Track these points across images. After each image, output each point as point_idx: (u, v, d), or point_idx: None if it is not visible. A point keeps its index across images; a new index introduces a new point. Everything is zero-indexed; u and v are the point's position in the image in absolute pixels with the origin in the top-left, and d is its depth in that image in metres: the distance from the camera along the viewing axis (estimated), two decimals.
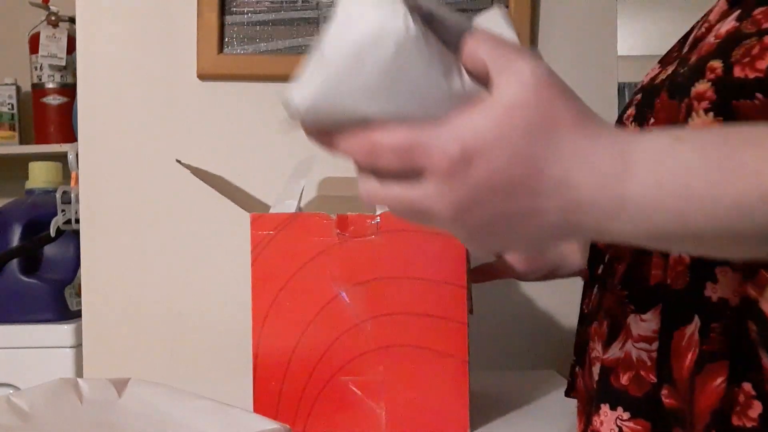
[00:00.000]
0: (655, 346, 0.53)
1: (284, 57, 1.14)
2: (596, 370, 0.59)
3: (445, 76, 0.40)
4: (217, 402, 0.69)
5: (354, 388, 0.74)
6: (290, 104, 0.42)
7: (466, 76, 0.41)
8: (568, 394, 0.73)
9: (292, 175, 0.87)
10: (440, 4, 0.43)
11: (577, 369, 0.69)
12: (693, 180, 0.39)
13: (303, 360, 0.74)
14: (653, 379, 0.53)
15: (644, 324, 0.54)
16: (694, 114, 0.50)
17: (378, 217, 0.74)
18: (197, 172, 0.88)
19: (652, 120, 0.58)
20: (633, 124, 0.62)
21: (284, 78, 1.25)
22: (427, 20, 0.41)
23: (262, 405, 0.74)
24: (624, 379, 0.55)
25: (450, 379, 0.74)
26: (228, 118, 1.16)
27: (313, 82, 0.41)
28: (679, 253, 0.51)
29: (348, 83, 0.40)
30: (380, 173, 0.44)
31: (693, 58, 0.53)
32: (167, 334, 1.15)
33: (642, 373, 0.53)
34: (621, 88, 1.30)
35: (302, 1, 1.14)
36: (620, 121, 0.66)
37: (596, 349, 0.60)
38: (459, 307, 0.74)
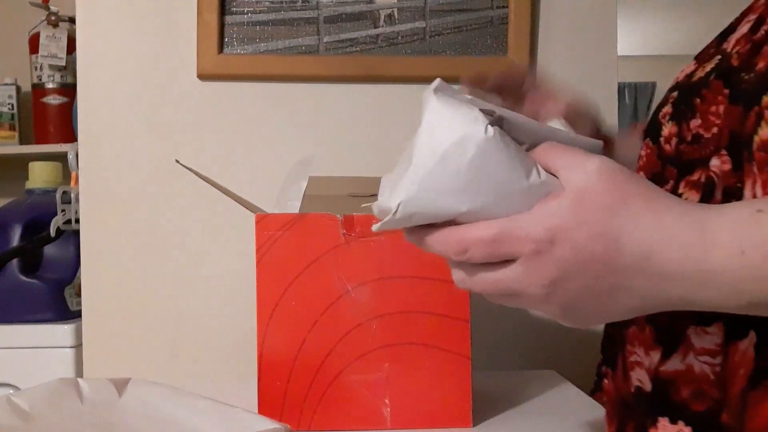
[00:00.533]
0: (718, 360, 0.51)
1: (284, 57, 1.14)
2: (637, 375, 0.57)
3: (523, 172, 0.44)
4: (218, 402, 0.69)
5: (359, 386, 0.74)
6: (382, 208, 0.46)
7: (542, 171, 0.45)
8: (593, 394, 0.72)
9: (290, 176, 0.87)
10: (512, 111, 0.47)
11: (603, 368, 0.68)
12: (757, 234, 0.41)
13: (308, 359, 0.74)
14: (716, 394, 0.51)
15: (708, 337, 0.52)
16: (764, 123, 0.49)
17: None
18: (197, 172, 0.88)
19: (695, 121, 0.57)
20: (671, 122, 0.61)
21: (284, 78, 1.27)
22: (500, 123, 0.46)
23: (267, 404, 0.74)
24: (685, 393, 0.53)
25: (453, 375, 0.74)
26: (228, 118, 1.16)
27: (404, 187, 0.45)
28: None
29: (437, 185, 0.44)
30: (470, 263, 0.47)
31: (761, 65, 0.52)
32: (167, 334, 1.15)
33: (704, 387, 0.52)
34: (621, 88, 1.30)
35: (302, 1, 1.14)
36: (655, 120, 0.64)
37: (637, 354, 0.58)
38: (462, 306, 0.75)
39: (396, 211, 0.45)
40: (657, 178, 0.63)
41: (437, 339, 0.74)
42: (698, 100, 0.57)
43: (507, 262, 0.45)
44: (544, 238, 0.44)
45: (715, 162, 0.53)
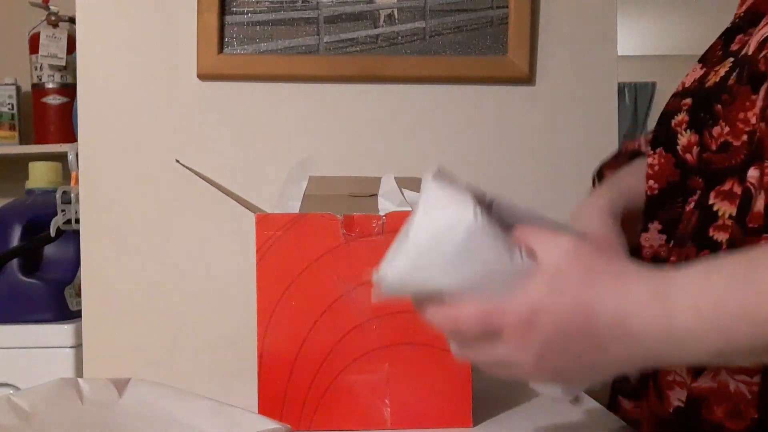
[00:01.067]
0: (756, 379, 0.51)
1: (284, 57, 1.14)
2: (677, 395, 0.57)
3: (507, 254, 0.49)
4: (218, 402, 0.69)
5: (359, 387, 0.74)
6: (381, 279, 0.51)
7: (523, 252, 0.49)
8: (612, 408, 0.72)
9: (289, 176, 0.87)
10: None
11: (618, 383, 0.67)
12: (726, 303, 0.44)
13: (308, 359, 0.74)
14: (754, 414, 0.51)
15: None
16: None
17: (383, 218, 0.74)
18: (197, 172, 0.88)
19: (718, 128, 0.56)
20: (689, 131, 0.61)
21: (284, 78, 1.26)
22: (491, 207, 0.52)
23: (267, 404, 0.74)
24: (719, 412, 0.53)
25: (453, 375, 0.74)
26: (228, 118, 1.16)
27: (400, 260, 0.50)
28: (739, 365, 0.54)
29: (428, 262, 0.49)
30: (463, 337, 0.51)
31: None
32: (167, 334, 1.15)
33: (741, 407, 0.52)
34: (621, 88, 1.30)
35: (302, 1, 1.14)
36: (668, 128, 0.63)
37: (675, 373, 0.58)
38: None
39: (390, 282, 0.50)
40: (676, 188, 0.63)
41: (437, 339, 0.74)
42: (719, 107, 0.56)
43: (497, 336, 0.49)
44: (525, 314, 0.48)
45: (753, 173, 0.52)
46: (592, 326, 0.47)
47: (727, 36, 0.63)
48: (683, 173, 0.62)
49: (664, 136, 0.64)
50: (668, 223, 0.64)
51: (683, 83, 0.66)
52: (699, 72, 0.64)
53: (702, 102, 0.59)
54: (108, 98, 1.15)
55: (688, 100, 0.62)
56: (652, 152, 0.66)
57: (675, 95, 0.66)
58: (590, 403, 0.86)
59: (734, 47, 0.60)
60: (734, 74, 0.56)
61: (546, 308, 0.48)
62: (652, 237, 0.65)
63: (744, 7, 0.63)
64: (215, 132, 1.15)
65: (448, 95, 1.17)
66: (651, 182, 0.66)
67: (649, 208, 0.66)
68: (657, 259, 0.66)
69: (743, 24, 0.61)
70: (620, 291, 0.47)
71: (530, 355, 0.48)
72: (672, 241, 0.63)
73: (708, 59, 0.64)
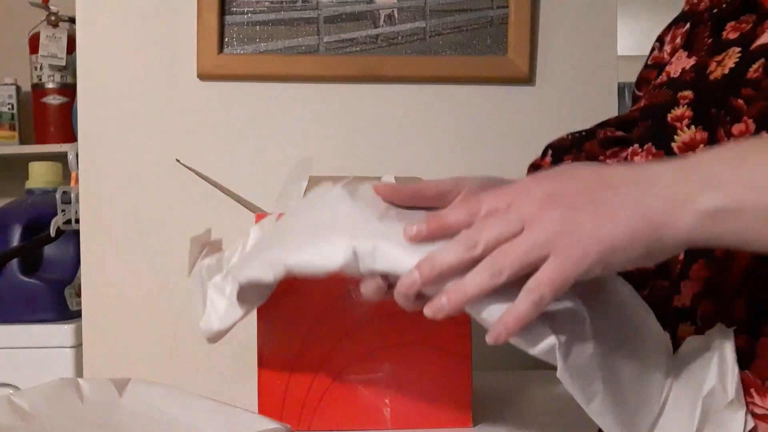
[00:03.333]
0: None
1: (284, 57, 1.14)
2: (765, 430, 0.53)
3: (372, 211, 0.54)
4: (218, 402, 0.69)
5: (359, 387, 0.74)
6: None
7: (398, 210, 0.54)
8: None
9: (289, 176, 0.87)
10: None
11: None
12: (739, 145, 0.44)
13: (308, 359, 0.74)
14: None
15: None
16: None
17: None
18: (197, 172, 0.88)
19: (743, 126, 0.53)
20: (693, 127, 0.58)
21: (284, 78, 1.26)
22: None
23: (267, 404, 0.74)
24: None
25: (453, 375, 0.74)
26: (228, 118, 1.16)
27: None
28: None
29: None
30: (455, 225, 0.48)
31: None
32: (168, 334, 1.15)
33: None
34: (621, 88, 1.30)
35: (302, 1, 1.14)
36: (661, 122, 0.60)
37: (761, 405, 0.53)
38: None
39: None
40: None
41: (437, 339, 0.74)
42: (740, 102, 0.53)
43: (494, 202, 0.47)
44: (521, 182, 0.48)
45: None
46: (603, 174, 0.46)
47: (714, 22, 0.60)
48: None
49: (654, 131, 0.61)
50: None
51: (667, 73, 0.63)
52: (688, 61, 0.61)
53: (710, 96, 0.56)
54: (108, 98, 1.15)
55: (688, 93, 0.59)
56: (639, 149, 0.64)
57: (660, 86, 0.62)
58: None
59: (731, 35, 0.57)
60: (755, 66, 0.53)
61: (554, 170, 0.48)
62: None
63: None
64: (215, 132, 1.15)
65: (448, 95, 1.17)
66: None
67: None
68: (641, 269, 0.62)
69: (733, 11, 0.58)
70: (629, 165, 0.49)
71: (536, 197, 0.45)
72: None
73: (694, 46, 0.61)
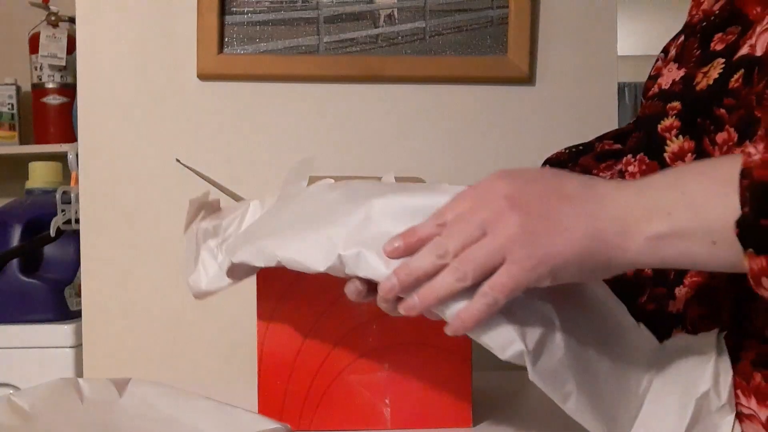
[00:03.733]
0: None
1: (284, 57, 1.14)
2: (751, 429, 0.54)
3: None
4: (218, 402, 0.69)
5: (359, 387, 0.74)
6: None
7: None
8: None
9: (289, 176, 0.87)
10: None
11: None
12: (688, 169, 0.47)
13: (308, 359, 0.74)
14: None
15: None
16: None
17: None
18: (197, 171, 0.88)
19: (725, 134, 0.55)
20: (681, 137, 0.60)
21: (284, 78, 1.26)
22: None
23: (267, 404, 0.74)
24: None
25: (453, 375, 0.74)
26: (228, 118, 1.16)
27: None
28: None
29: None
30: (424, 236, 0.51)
31: None
32: (167, 334, 1.15)
33: None
34: (621, 88, 1.30)
35: (302, 1, 1.14)
36: (652, 132, 0.62)
37: (747, 405, 0.54)
38: None
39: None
40: None
41: (437, 339, 0.74)
42: (722, 111, 0.55)
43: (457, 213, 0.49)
44: (481, 184, 0.50)
45: None
46: (559, 187, 0.48)
47: (704, 34, 0.61)
48: None
49: (646, 142, 0.63)
50: None
51: (659, 84, 0.64)
52: (678, 72, 0.62)
53: (697, 106, 0.58)
54: (108, 98, 1.15)
55: (676, 104, 0.60)
56: (632, 158, 0.64)
57: (652, 97, 0.64)
58: None
59: (717, 47, 0.58)
60: (736, 76, 0.55)
61: (503, 172, 0.50)
62: None
63: (717, 6, 0.61)
64: (215, 132, 1.15)
65: (448, 95, 1.17)
66: None
67: None
68: (640, 276, 0.63)
69: (720, 22, 0.60)
70: (583, 176, 0.50)
71: (496, 201, 0.48)
72: None
73: (684, 58, 0.62)
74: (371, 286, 0.53)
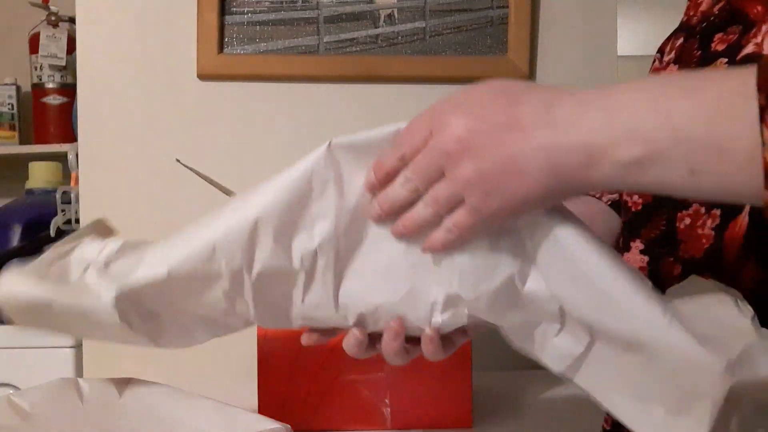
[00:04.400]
0: None
1: (284, 57, 1.14)
2: None
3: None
4: (218, 402, 0.69)
5: (359, 387, 0.74)
6: None
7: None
8: None
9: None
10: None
11: None
12: (670, 86, 0.42)
13: (308, 359, 0.74)
14: None
15: None
16: None
17: None
18: (197, 171, 0.88)
19: None
20: None
21: (284, 78, 1.26)
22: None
23: (267, 404, 0.74)
24: None
25: (453, 375, 0.74)
26: (228, 118, 1.16)
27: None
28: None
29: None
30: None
31: None
32: None
33: None
34: None
35: (302, 1, 1.14)
36: None
37: None
38: None
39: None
40: (662, 203, 0.61)
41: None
42: None
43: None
44: (430, 110, 0.49)
45: None
46: (516, 111, 0.45)
47: (703, 35, 0.61)
48: None
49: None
50: (651, 242, 0.63)
51: None
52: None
53: None
54: (108, 98, 1.15)
55: None
56: None
57: None
58: (592, 405, 0.86)
59: (719, 47, 0.59)
60: None
61: (465, 97, 0.48)
62: (633, 258, 0.63)
63: (717, 7, 0.62)
64: (215, 132, 1.15)
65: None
66: (635, 197, 0.64)
67: (632, 225, 0.64)
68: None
69: (720, 23, 0.60)
70: (546, 88, 0.46)
71: (451, 135, 0.46)
72: (651, 260, 0.62)
73: (684, 59, 0.63)
74: (372, 337, 0.54)
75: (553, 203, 0.48)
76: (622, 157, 0.42)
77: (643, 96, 0.43)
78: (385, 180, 0.51)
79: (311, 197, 0.52)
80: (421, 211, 0.50)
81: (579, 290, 0.48)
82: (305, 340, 0.59)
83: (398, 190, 0.50)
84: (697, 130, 0.40)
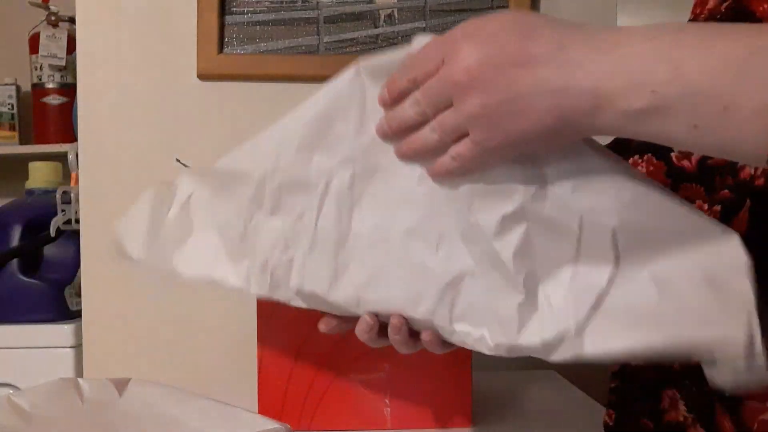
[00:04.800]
0: None
1: (284, 57, 1.14)
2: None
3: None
4: (218, 402, 0.69)
5: (359, 387, 0.74)
6: None
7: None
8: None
9: None
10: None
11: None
12: (684, 37, 0.41)
13: (308, 359, 0.74)
14: None
15: None
16: None
17: None
18: None
19: None
20: None
21: (284, 78, 1.26)
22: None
23: (267, 404, 0.74)
24: None
25: (453, 375, 0.74)
26: (228, 118, 1.15)
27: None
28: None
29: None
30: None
31: None
32: (167, 335, 1.15)
33: None
34: None
35: (302, 1, 1.14)
36: None
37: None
38: None
39: None
40: None
41: None
42: None
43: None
44: (442, 39, 0.49)
45: None
46: (528, 46, 0.45)
47: None
48: (675, 182, 0.60)
49: (653, 142, 0.62)
50: None
51: None
52: None
53: None
54: (108, 98, 1.15)
55: None
56: (639, 159, 0.64)
57: None
58: (592, 405, 0.86)
59: None
60: None
61: (469, 29, 0.47)
62: None
63: (725, 5, 0.62)
64: (215, 132, 1.15)
65: None
66: None
67: None
68: None
69: (727, 21, 0.60)
70: (562, 23, 0.47)
71: (461, 66, 0.46)
72: None
73: None
74: (383, 325, 0.55)
75: (555, 144, 0.48)
76: (628, 106, 0.42)
77: (656, 45, 0.42)
78: (397, 98, 0.52)
79: (336, 117, 0.55)
80: (427, 134, 0.51)
81: (604, 194, 0.48)
82: (323, 327, 0.59)
83: (407, 110, 0.51)
84: (704, 84, 0.40)
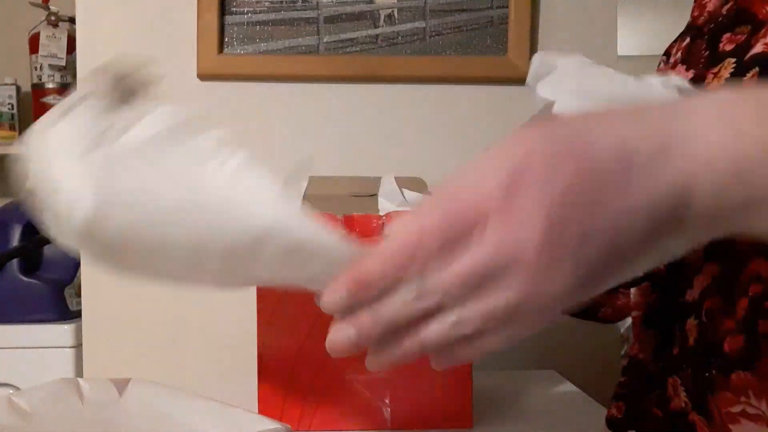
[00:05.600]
0: None
1: (284, 57, 1.14)
2: (748, 430, 0.51)
3: None
4: (218, 402, 0.69)
5: (359, 387, 0.74)
6: None
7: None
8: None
9: (288, 176, 0.87)
10: None
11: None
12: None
13: (308, 359, 0.74)
14: None
15: None
16: None
17: (383, 218, 0.74)
18: None
19: None
20: None
21: (284, 78, 1.26)
22: None
23: (267, 404, 0.74)
24: None
25: (453, 375, 0.74)
26: (228, 118, 1.16)
27: None
28: None
29: None
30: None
31: None
32: (167, 335, 1.15)
33: None
34: None
35: (302, 1, 1.14)
36: None
37: (749, 403, 0.51)
38: None
39: None
40: None
41: None
42: None
43: (467, 242, 0.35)
44: (501, 180, 0.36)
45: None
46: (591, 164, 0.35)
47: (711, 36, 0.62)
48: None
49: None
50: None
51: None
52: (687, 74, 0.62)
53: None
54: None
55: None
56: None
57: None
58: (592, 404, 0.86)
59: (727, 47, 0.59)
60: (750, 75, 0.54)
61: (524, 159, 0.36)
62: None
63: (725, 8, 0.62)
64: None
65: (448, 95, 1.17)
66: None
67: None
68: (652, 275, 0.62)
69: (728, 23, 0.60)
70: (615, 117, 0.37)
71: (529, 228, 0.34)
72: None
73: (692, 60, 0.63)
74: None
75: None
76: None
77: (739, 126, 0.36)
78: (382, 287, 0.37)
79: None
80: (441, 330, 0.38)
81: None
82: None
83: (413, 303, 0.37)
84: None
